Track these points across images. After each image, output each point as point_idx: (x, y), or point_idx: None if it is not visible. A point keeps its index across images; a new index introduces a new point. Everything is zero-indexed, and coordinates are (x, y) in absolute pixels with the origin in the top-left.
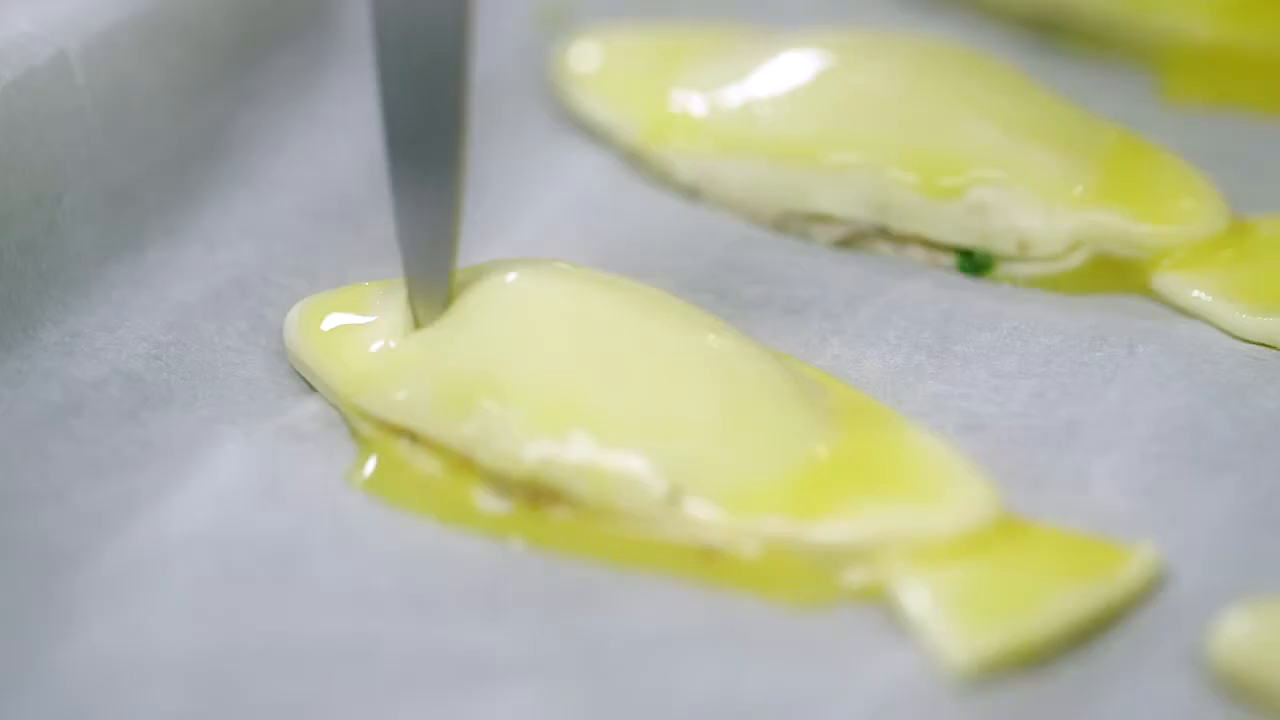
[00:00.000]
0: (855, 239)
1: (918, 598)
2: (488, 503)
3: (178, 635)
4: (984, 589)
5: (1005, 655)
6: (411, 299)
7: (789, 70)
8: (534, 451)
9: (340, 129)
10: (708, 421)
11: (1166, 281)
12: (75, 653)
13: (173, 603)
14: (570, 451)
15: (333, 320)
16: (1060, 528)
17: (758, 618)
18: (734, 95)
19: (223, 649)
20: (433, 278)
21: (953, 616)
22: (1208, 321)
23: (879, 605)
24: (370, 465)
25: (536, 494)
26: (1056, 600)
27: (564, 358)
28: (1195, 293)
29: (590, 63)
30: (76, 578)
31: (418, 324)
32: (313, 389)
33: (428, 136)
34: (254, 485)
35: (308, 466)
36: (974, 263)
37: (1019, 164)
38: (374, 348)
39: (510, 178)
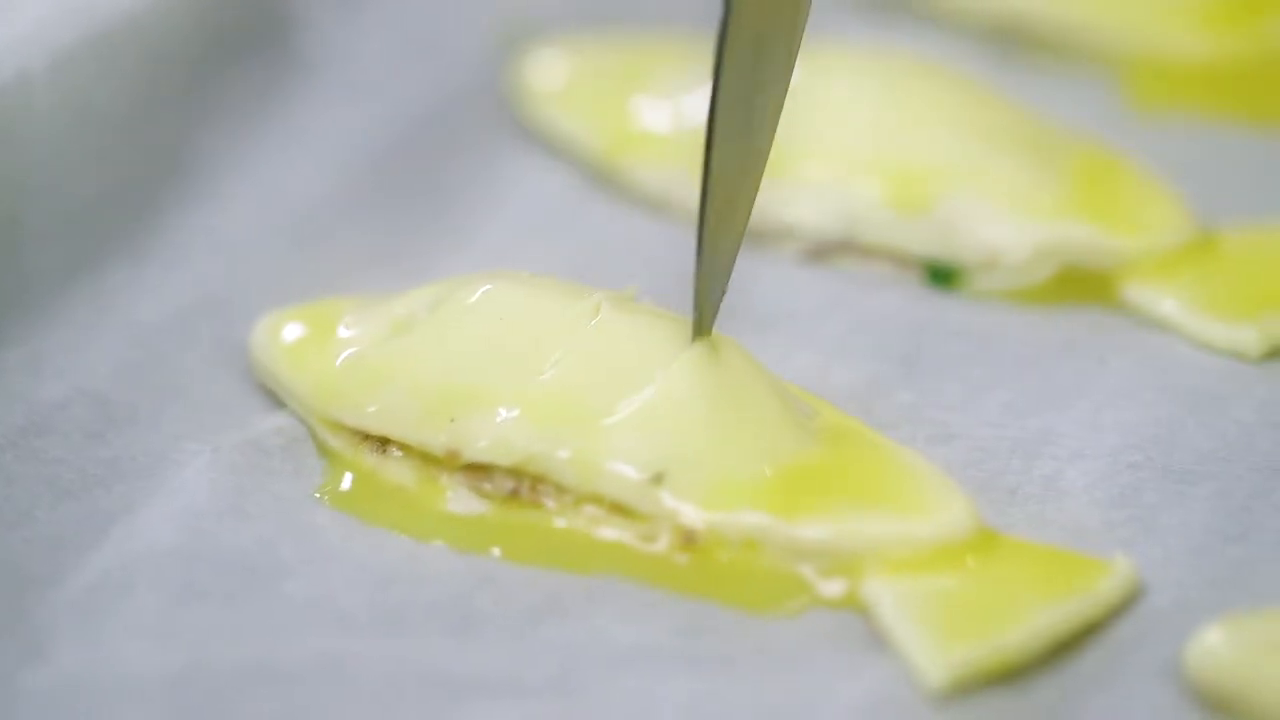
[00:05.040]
0: (823, 251)
1: (894, 612)
2: (461, 504)
3: (148, 656)
4: (960, 604)
5: (981, 671)
6: (700, 303)
7: None
8: (523, 441)
9: (302, 145)
10: (696, 419)
11: (1135, 293)
12: (45, 676)
13: (142, 623)
14: (558, 442)
15: (301, 333)
16: (1036, 541)
17: (734, 630)
18: (699, 106)
19: (193, 670)
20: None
21: (929, 632)
22: (1177, 333)
23: (856, 617)
24: (338, 479)
25: (517, 488)
26: (1033, 615)
27: (545, 363)
28: (1164, 304)
29: (553, 75)
30: (45, 599)
31: (701, 330)
32: (278, 404)
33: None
34: (221, 502)
35: (275, 482)
36: (942, 275)
37: (986, 176)
38: (346, 359)
39: (474, 191)
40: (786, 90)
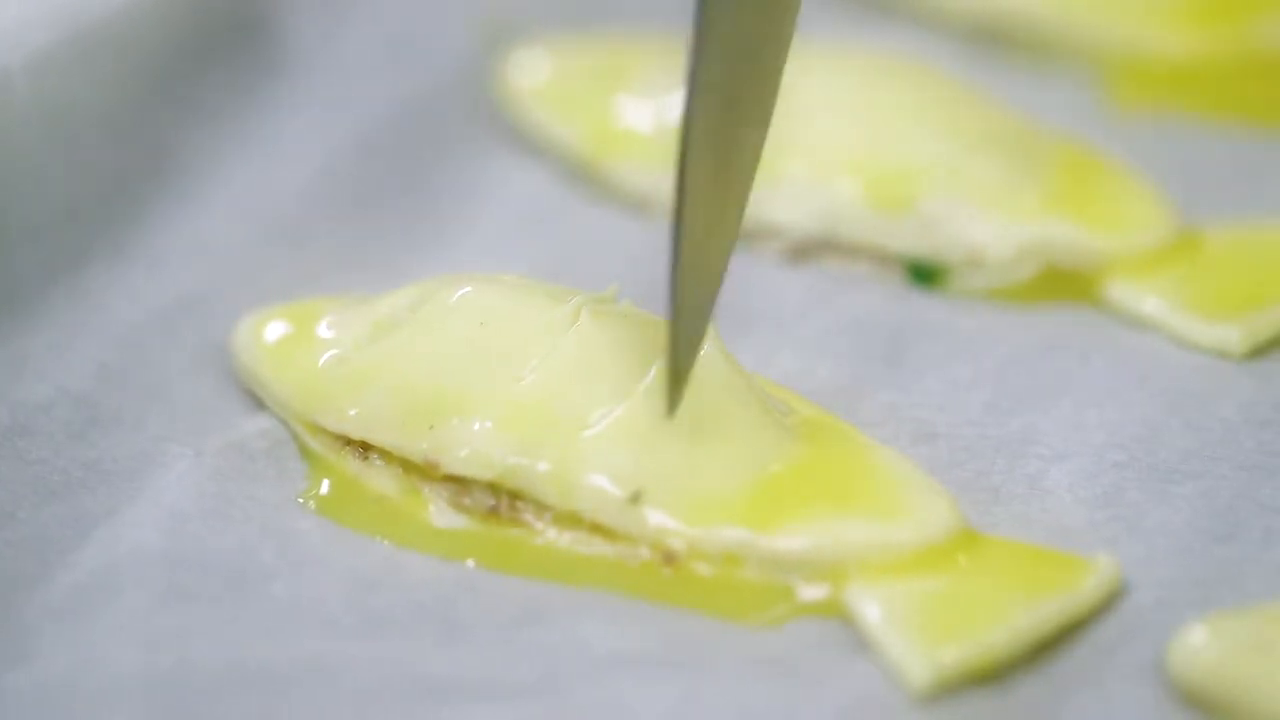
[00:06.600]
0: (804, 251)
1: (877, 614)
2: (442, 519)
3: (131, 659)
4: (943, 605)
5: (965, 671)
6: (673, 353)
7: None
8: (500, 455)
9: (285, 145)
10: (672, 431)
11: (1117, 292)
12: (28, 679)
13: (125, 626)
14: (537, 455)
15: (284, 334)
16: (1019, 541)
17: (715, 636)
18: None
19: (177, 672)
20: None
21: (912, 633)
22: (1160, 331)
23: (838, 621)
24: (321, 484)
25: (497, 503)
26: (1016, 615)
27: (524, 370)
28: (1146, 303)
29: (535, 75)
30: (28, 602)
31: (673, 392)
32: (261, 406)
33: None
34: (204, 505)
35: (258, 485)
36: (924, 274)
37: (968, 175)
38: (329, 361)
39: (456, 191)
40: (771, 112)
